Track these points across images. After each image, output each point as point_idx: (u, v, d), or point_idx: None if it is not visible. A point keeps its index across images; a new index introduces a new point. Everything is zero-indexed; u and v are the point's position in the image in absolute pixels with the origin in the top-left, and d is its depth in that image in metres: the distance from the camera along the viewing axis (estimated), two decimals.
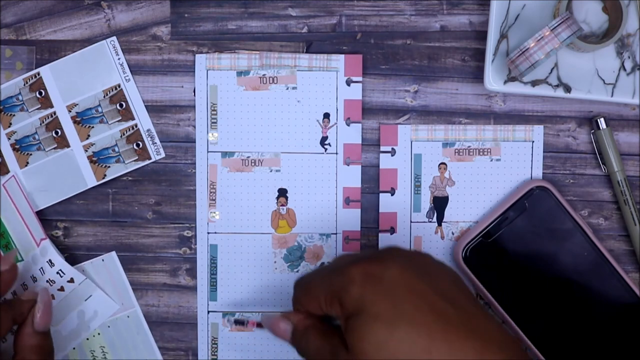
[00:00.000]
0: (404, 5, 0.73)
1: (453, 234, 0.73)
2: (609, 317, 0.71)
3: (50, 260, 0.71)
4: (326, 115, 0.73)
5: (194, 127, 0.73)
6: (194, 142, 0.73)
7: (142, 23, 0.74)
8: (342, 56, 0.73)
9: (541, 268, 0.71)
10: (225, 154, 0.73)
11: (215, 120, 0.73)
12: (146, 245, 0.74)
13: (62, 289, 0.72)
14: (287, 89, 0.73)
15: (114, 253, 0.74)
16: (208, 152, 0.73)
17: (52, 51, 0.74)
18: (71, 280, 0.72)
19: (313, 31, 0.73)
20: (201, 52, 0.73)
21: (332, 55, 0.73)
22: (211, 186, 0.73)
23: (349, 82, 0.73)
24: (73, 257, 0.73)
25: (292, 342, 0.64)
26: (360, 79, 0.73)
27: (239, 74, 0.73)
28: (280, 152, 0.73)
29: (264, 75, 0.73)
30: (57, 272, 0.70)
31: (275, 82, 0.73)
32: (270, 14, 0.73)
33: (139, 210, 0.74)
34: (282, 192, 0.73)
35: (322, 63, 0.73)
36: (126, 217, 0.74)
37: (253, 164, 0.73)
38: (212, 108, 0.73)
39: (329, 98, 0.73)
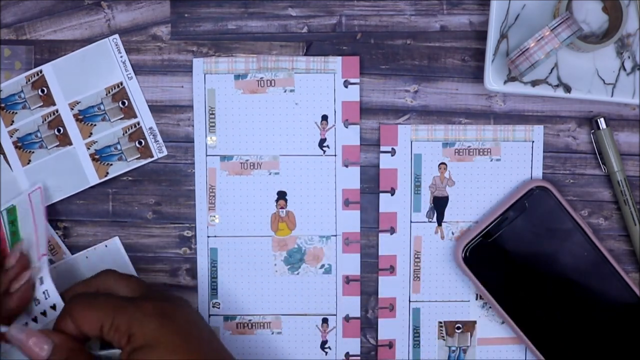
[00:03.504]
0: (404, 5, 0.73)
1: (453, 234, 0.74)
2: (609, 317, 0.71)
3: (41, 278, 0.69)
4: (324, 117, 0.73)
5: (194, 127, 0.73)
6: (194, 142, 0.73)
7: (142, 23, 0.74)
8: (339, 58, 0.73)
9: (541, 268, 0.71)
10: (223, 158, 0.73)
11: (213, 124, 0.73)
12: (146, 245, 0.74)
13: (44, 313, 0.68)
14: (285, 91, 0.73)
15: (117, 238, 0.74)
16: (207, 155, 0.73)
17: (52, 51, 0.74)
18: (53, 307, 0.69)
19: (313, 31, 0.73)
20: (201, 52, 0.73)
21: (329, 57, 0.73)
22: (210, 190, 0.73)
23: (346, 84, 0.73)
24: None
25: None
26: (357, 80, 0.73)
27: (237, 77, 0.73)
28: (279, 154, 0.73)
29: (261, 78, 0.73)
30: (43, 292, 0.68)
31: (273, 85, 0.73)
32: (270, 14, 0.73)
33: (139, 210, 0.74)
34: (282, 195, 0.73)
35: (320, 65, 0.73)
36: (126, 217, 0.74)
37: (252, 167, 0.73)
38: (210, 112, 0.73)
39: (326, 100, 0.73)
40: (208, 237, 0.74)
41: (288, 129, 0.73)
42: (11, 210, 0.73)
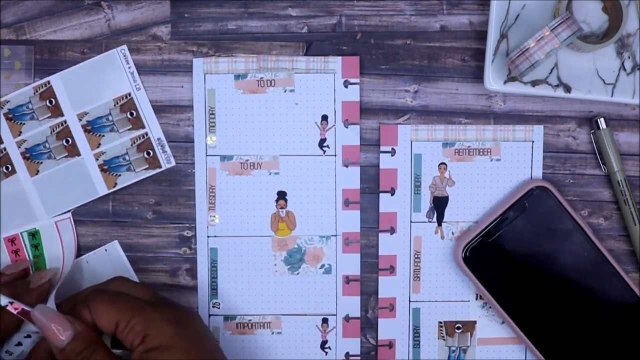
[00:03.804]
0: (404, 5, 0.73)
1: (453, 234, 0.73)
2: (609, 317, 0.71)
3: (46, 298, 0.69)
4: (324, 117, 0.73)
5: (194, 127, 0.73)
6: (194, 142, 0.73)
7: (142, 23, 0.74)
8: (339, 58, 0.73)
9: (541, 268, 0.71)
10: (224, 158, 0.73)
11: (213, 124, 0.73)
12: (146, 245, 0.74)
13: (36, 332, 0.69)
14: (285, 91, 0.73)
15: (116, 242, 0.74)
16: (207, 155, 0.73)
17: (51, 51, 0.74)
18: None
19: (313, 31, 0.73)
20: (201, 52, 0.73)
21: (329, 57, 0.73)
22: (210, 190, 0.73)
23: (346, 84, 0.73)
24: (51, 219, 0.73)
25: (65, 351, 0.62)
26: (357, 80, 0.73)
27: (237, 77, 0.73)
28: (279, 154, 0.73)
29: (261, 78, 0.73)
30: None
31: (273, 85, 0.73)
32: (270, 14, 0.73)
33: (139, 210, 0.74)
34: (282, 195, 0.73)
35: (320, 65, 0.73)
36: (126, 217, 0.74)
37: (252, 167, 0.73)
38: (210, 112, 0.73)
39: (326, 100, 0.73)
40: (208, 237, 0.74)
41: (288, 129, 0.73)
42: (34, 234, 0.73)
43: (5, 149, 0.74)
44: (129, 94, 0.73)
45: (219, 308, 0.74)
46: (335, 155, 0.73)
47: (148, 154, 0.74)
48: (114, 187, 0.74)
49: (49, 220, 0.74)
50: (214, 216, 0.74)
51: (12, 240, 0.73)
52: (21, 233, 0.73)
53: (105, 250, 0.74)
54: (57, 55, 0.74)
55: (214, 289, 0.74)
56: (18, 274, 0.71)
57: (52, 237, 0.73)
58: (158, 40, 0.74)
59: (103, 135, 0.74)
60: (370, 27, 0.73)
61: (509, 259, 0.71)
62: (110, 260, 0.74)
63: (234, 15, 0.73)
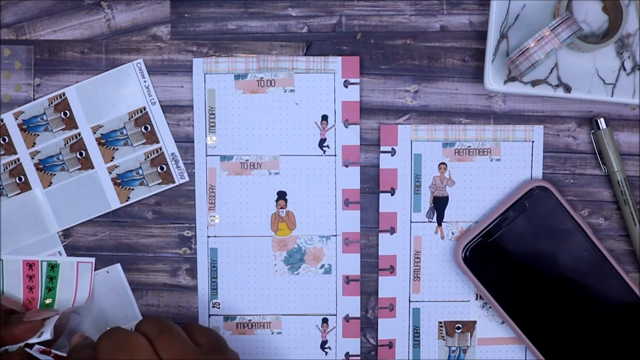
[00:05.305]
0: (404, 5, 0.73)
1: (453, 234, 0.73)
2: (609, 317, 0.71)
3: (42, 333, 0.70)
4: (324, 117, 0.73)
5: (194, 127, 0.73)
6: (194, 142, 0.73)
7: (142, 23, 0.74)
8: (339, 58, 0.73)
9: (541, 268, 0.71)
10: (224, 158, 0.73)
11: (213, 124, 0.73)
12: (146, 245, 0.74)
13: None
14: (285, 91, 0.73)
15: (118, 265, 0.74)
16: (207, 155, 0.73)
17: (51, 51, 0.74)
18: None
19: (313, 31, 0.73)
20: (201, 52, 0.73)
21: (329, 57, 0.73)
22: (210, 190, 0.73)
23: (346, 84, 0.73)
24: (74, 257, 0.73)
25: None
26: (357, 80, 0.73)
27: (237, 77, 0.73)
28: (279, 154, 0.73)
29: (261, 78, 0.73)
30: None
31: (273, 85, 0.73)
32: (270, 14, 0.73)
33: (139, 210, 0.74)
34: (282, 195, 0.73)
35: (320, 65, 0.73)
36: (126, 217, 0.74)
37: (252, 167, 0.73)
38: (210, 112, 0.73)
39: (326, 100, 0.73)
40: (208, 237, 0.74)
41: (288, 129, 0.73)
42: (54, 267, 0.73)
43: (19, 160, 0.74)
44: (144, 108, 0.73)
45: (219, 308, 0.74)
46: (335, 155, 0.73)
47: (162, 168, 0.74)
48: (127, 201, 0.74)
49: (71, 258, 0.74)
50: (214, 216, 0.74)
51: (30, 265, 0.73)
52: (41, 261, 0.73)
53: (107, 272, 0.74)
54: (57, 55, 0.74)
55: (214, 289, 0.74)
56: (18, 306, 0.71)
57: (69, 276, 0.73)
58: (158, 40, 0.74)
59: (117, 149, 0.74)
60: (370, 27, 0.73)
61: (509, 259, 0.71)
62: (111, 281, 0.74)
63: (234, 15, 0.73)
